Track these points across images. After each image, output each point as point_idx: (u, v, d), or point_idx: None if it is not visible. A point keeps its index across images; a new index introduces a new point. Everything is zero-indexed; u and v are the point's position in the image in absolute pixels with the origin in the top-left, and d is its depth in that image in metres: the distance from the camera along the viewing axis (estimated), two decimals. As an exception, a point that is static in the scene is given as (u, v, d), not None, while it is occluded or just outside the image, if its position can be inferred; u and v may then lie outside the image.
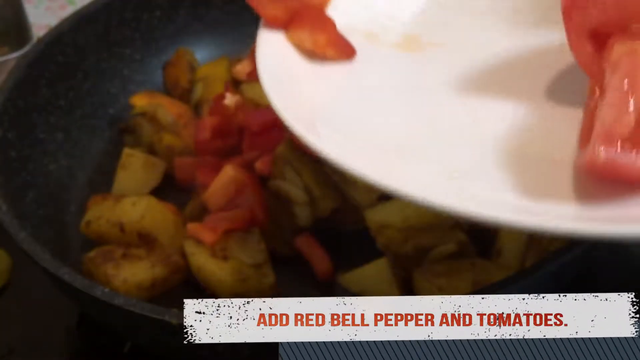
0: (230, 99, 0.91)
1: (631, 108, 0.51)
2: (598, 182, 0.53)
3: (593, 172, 0.52)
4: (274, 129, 0.85)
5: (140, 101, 1.00)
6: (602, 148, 0.50)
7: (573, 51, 0.59)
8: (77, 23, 0.96)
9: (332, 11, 0.72)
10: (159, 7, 1.03)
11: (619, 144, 0.50)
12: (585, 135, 0.55)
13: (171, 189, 0.92)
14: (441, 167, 0.58)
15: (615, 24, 0.57)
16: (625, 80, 0.53)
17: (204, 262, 0.80)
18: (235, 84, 1.00)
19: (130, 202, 0.84)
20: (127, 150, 0.93)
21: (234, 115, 0.91)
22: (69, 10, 1.18)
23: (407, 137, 0.61)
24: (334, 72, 0.68)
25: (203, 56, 1.06)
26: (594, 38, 0.58)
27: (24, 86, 0.89)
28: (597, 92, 0.56)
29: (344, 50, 0.69)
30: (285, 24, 0.70)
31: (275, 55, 0.68)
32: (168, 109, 0.96)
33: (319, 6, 0.71)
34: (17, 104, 0.88)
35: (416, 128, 0.62)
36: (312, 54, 0.69)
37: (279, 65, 0.67)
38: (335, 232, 0.84)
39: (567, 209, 0.53)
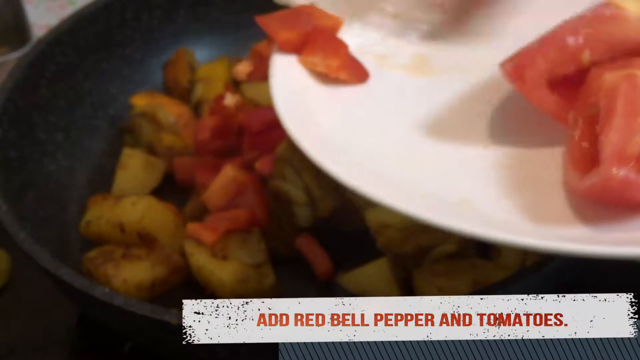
0: (230, 99, 0.91)
1: (638, 130, 0.53)
2: (597, 205, 0.55)
3: (604, 192, 0.54)
4: (274, 129, 0.85)
5: (140, 101, 1.00)
6: (616, 169, 0.52)
7: (540, 107, 0.62)
8: (77, 23, 0.97)
9: (344, 34, 0.72)
10: (159, 7, 1.03)
11: (633, 163, 0.52)
12: (580, 162, 0.56)
13: (171, 189, 0.92)
14: (446, 193, 0.59)
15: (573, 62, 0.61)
16: (630, 104, 0.54)
17: (204, 262, 0.80)
18: (235, 84, 1.00)
19: (130, 202, 0.84)
20: (127, 150, 0.94)
21: (234, 115, 0.91)
22: (69, 10, 1.17)
23: (414, 165, 0.63)
24: (347, 95, 0.69)
25: (203, 56, 1.06)
26: (551, 85, 0.61)
27: (24, 86, 0.89)
28: (580, 122, 0.58)
29: (356, 74, 0.70)
30: (298, 48, 0.70)
31: (288, 80, 0.69)
32: (168, 109, 0.96)
33: (331, 30, 0.72)
34: (17, 104, 0.88)
35: (422, 155, 0.64)
36: (325, 78, 0.69)
37: (293, 90, 0.68)
38: (335, 232, 0.84)
39: (573, 231, 0.55)
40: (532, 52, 0.62)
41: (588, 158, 0.56)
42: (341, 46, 0.70)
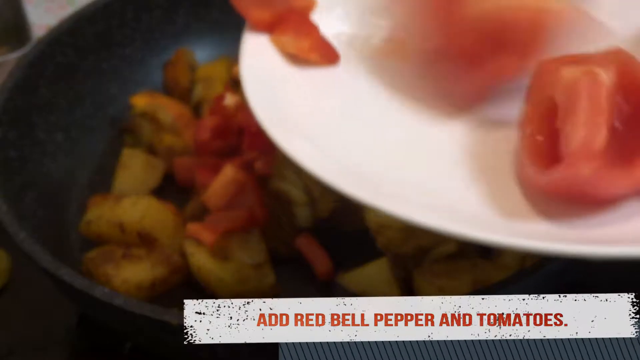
0: (230, 99, 0.91)
1: (602, 126, 0.53)
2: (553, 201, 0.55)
3: (569, 188, 0.54)
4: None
5: (140, 101, 1.00)
6: (584, 164, 0.53)
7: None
8: (77, 23, 0.96)
9: (317, 15, 0.72)
10: (159, 7, 1.03)
11: (599, 159, 0.53)
12: (537, 155, 0.57)
13: (171, 189, 0.92)
14: (413, 182, 0.59)
15: None
16: (593, 100, 0.55)
17: (204, 262, 0.80)
18: (235, 84, 1.00)
19: (130, 202, 0.84)
20: (127, 150, 0.94)
21: (234, 115, 0.91)
22: (69, 10, 1.17)
23: (380, 153, 0.63)
24: (316, 77, 0.69)
25: (203, 56, 1.06)
26: None
27: (24, 86, 0.89)
28: (533, 116, 0.58)
29: (327, 56, 0.69)
30: (270, 28, 0.70)
31: (258, 61, 0.69)
32: (168, 109, 0.96)
33: (303, 10, 0.71)
34: (17, 104, 0.88)
35: (389, 144, 0.64)
36: (296, 59, 0.69)
37: (263, 71, 0.68)
38: (335, 232, 0.84)
39: (533, 227, 0.55)
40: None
41: (545, 152, 0.56)
42: (312, 28, 0.70)
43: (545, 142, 0.57)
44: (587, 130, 0.54)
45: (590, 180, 0.53)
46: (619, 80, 0.55)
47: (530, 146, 0.57)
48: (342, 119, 0.65)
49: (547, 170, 0.55)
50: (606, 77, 0.55)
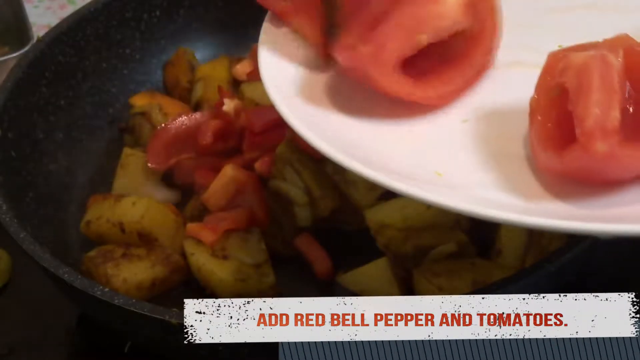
0: (228, 105, 0.91)
1: (615, 104, 0.53)
2: (570, 184, 0.56)
3: (586, 167, 0.55)
4: (274, 129, 0.85)
5: (140, 101, 1.00)
6: (600, 142, 0.52)
7: (395, 91, 0.64)
8: (77, 23, 0.96)
9: None
10: (159, 7, 1.03)
11: (615, 137, 0.52)
12: (550, 141, 0.57)
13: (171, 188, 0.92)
14: (421, 165, 0.60)
15: None
16: (605, 80, 0.55)
17: (204, 262, 0.80)
18: (235, 84, 1.00)
19: (130, 202, 0.84)
20: (127, 150, 0.93)
21: (235, 119, 0.91)
22: (69, 10, 1.18)
23: (392, 136, 0.63)
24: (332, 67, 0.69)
25: (203, 56, 1.06)
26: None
27: (24, 86, 0.89)
28: (542, 104, 0.59)
29: None
30: (290, 16, 0.71)
31: (276, 49, 0.69)
32: (168, 109, 0.96)
33: None
34: (17, 104, 0.88)
35: (401, 127, 0.64)
36: (312, 48, 0.70)
37: (280, 57, 0.68)
38: (335, 232, 0.84)
39: (552, 207, 0.55)
40: (382, 36, 0.63)
41: (556, 137, 0.57)
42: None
43: (556, 127, 0.57)
44: (600, 108, 0.54)
45: (605, 158, 0.53)
46: (627, 63, 0.56)
47: (541, 133, 0.58)
48: (353, 103, 0.66)
49: (562, 152, 0.55)
50: (615, 59, 0.56)
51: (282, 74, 0.68)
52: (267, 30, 0.72)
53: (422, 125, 0.65)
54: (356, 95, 0.67)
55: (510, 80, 0.67)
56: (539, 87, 0.60)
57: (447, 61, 0.66)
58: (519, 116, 0.62)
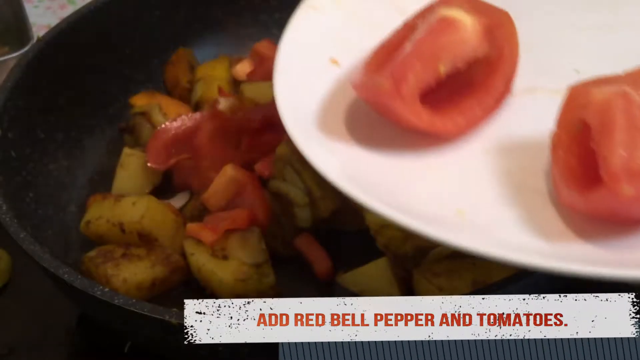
0: (224, 103, 0.91)
1: None
2: (595, 221, 0.56)
3: (612, 209, 0.54)
4: (274, 129, 0.85)
5: (140, 101, 1.00)
6: (626, 185, 0.52)
7: (415, 124, 0.63)
8: (77, 23, 0.96)
9: None
10: (159, 7, 1.03)
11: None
12: (574, 179, 0.57)
13: (171, 189, 0.92)
14: (442, 202, 0.60)
15: None
16: (630, 119, 0.54)
17: (204, 262, 0.80)
18: (235, 84, 1.00)
19: (130, 202, 0.84)
20: (127, 150, 0.93)
21: (232, 118, 0.91)
22: (69, 10, 1.18)
23: (411, 172, 0.63)
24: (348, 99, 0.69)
25: (203, 56, 1.06)
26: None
27: (24, 86, 0.89)
28: (564, 139, 0.58)
29: None
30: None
31: (293, 80, 0.70)
32: (168, 109, 0.96)
33: None
34: (17, 104, 0.88)
35: (420, 161, 0.64)
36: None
37: (297, 92, 0.69)
38: (335, 232, 0.84)
39: (575, 249, 0.55)
40: (402, 68, 0.62)
41: (580, 174, 0.56)
42: None
43: (579, 164, 0.57)
44: (625, 149, 0.53)
45: (632, 200, 0.52)
46: None
47: (564, 169, 0.57)
48: (372, 132, 0.66)
49: (587, 192, 0.55)
50: (637, 96, 0.55)
51: (299, 104, 0.67)
52: (284, 58, 0.71)
53: (443, 158, 0.64)
54: (375, 127, 0.66)
55: (528, 108, 0.67)
56: (560, 122, 0.59)
57: (464, 90, 0.65)
58: (539, 148, 0.61)
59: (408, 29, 0.63)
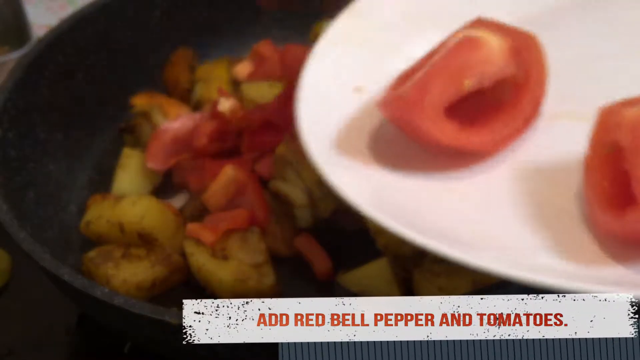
0: (224, 104, 0.91)
1: None
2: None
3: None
4: (274, 129, 0.85)
5: (140, 101, 1.00)
6: None
7: (439, 139, 0.64)
8: (77, 23, 0.96)
9: None
10: (159, 7, 1.03)
11: None
12: (608, 202, 0.56)
13: (171, 189, 0.92)
14: (470, 227, 0.60)
15: None
16: None
17: (204, 262, 0.80)
18: (235, 84, 1.00)
19: (130, 202, 0.84)
20: (127, 150, 0.93)
21: (231, 118, 0.90)
22: (69, 10, 1.17)
23: (438, 196, 0.64)
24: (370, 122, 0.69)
25: (203, 56, 1.06)
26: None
27: (24, 86, 0.89)
28: (597, 161, 0.58)
29: None
30: None
31: (314, 104, 0.70)
32: (168, 109, 0.96)
33: None
34: (17, 104, 0.88)
35: (445, 184, 0.65)
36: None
37: (319, 116, 0.69)
38: (335, 232, 0.84)
39: (610, 272, 0.55)
40: (424, 84, 0.62)
41: (613, 196, 0.56)
42: None
43: (612, 186, 0.56)
44: None
45: None
46: None
47: (598, 192, 0.57)
48: (397, 156, 0.66)
49: (621, 215, 0.54)
50: None
51: (321, 131, 0.67)
52: (306, 88, 0.71)
53: (469, 180, 0.64)
54: (399, 149, 0.66)
55: (557, 133, 0.66)
56: (593, 144, 0.58)
57: (491, 111, 0.65)
58: (568, 172, 0.60)
59: (433, 54, 0.63)
